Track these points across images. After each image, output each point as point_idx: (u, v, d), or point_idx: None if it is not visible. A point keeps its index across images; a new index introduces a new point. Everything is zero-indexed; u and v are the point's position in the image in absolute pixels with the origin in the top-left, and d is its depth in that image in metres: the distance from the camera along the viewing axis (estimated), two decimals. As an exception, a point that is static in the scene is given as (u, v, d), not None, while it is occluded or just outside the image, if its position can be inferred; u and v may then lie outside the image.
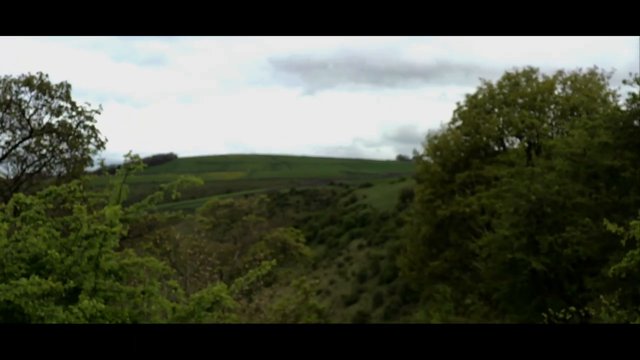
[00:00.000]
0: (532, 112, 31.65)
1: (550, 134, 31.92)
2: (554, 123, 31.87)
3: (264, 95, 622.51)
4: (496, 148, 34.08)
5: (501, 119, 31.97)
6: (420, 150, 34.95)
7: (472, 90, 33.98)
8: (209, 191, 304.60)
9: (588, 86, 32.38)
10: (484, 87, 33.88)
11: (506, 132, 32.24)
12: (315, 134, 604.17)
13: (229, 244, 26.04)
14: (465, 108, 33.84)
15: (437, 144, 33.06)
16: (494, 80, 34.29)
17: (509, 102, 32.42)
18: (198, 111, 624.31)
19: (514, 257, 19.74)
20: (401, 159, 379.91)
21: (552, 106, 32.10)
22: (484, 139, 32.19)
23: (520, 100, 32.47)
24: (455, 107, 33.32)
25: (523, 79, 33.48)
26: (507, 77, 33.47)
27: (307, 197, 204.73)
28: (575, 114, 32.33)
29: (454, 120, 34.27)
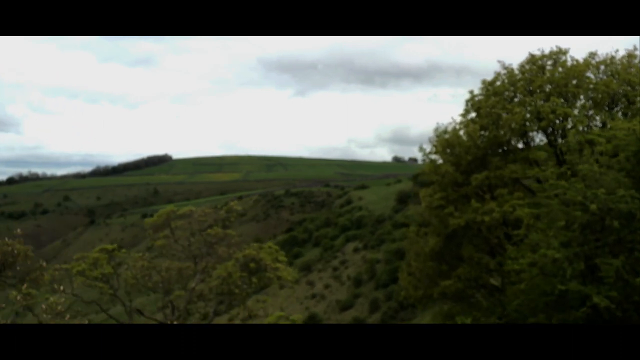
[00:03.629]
0: (563, 101, 26.31)
1: (580, 127, 26.58)
2: (589, 113, 26.50)
3: (256, 96, 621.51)
4: (513, 143, 28.67)
5: (526, 108, 26.54)
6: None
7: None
8: (204, 192, 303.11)
9: (628, 70, 27.10)
10: (503, 72, 28.51)
11: (531, 125, 26.80)
12: (309, 135, 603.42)
13: (191, 264, 20.71)
14: (480, 97, 28.45)
15: (449, 140, 27.51)
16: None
17: (535, 89, 27.04)
18: (191, 112, 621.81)
19: (567, 289, 14.41)
20: (397, 160, 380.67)
21: (588, 94, 26.75)
22: (504, 132, 26.71)
23: (547, 87, 27.12)
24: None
25: (549, 62, 28.15)
26: (531, 60, 28.09)
27: (302, 198, 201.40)
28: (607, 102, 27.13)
29: (466, 112, 28.85)
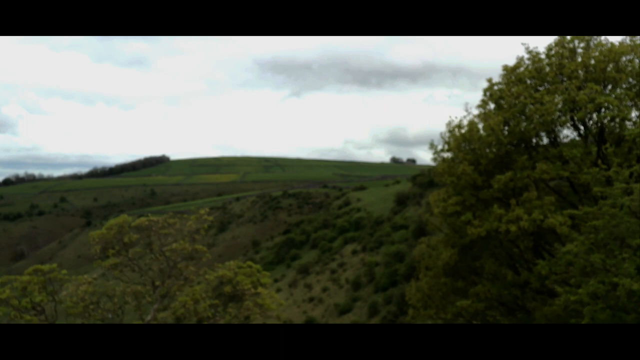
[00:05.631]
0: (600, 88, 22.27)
1: (618, 119, 22.64)
2: (630, 104, 22.51)
3: (253, 97, 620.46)
4: (539, 138, 24.65)
5: (558, 97, 22.46)
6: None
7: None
8: (201, 194, 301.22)
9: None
10: (527, 56, 24.51)
11: (565, 117, 22.79)
12: (306, 136, 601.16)
13: (149, 288, 16.55)
14: (501, 86, 24.41)
15: (465, 135, 23.36)
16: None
17: (568, 75, 22.98)
18: (189, 113, 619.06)
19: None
20: (394, 161, 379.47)
21: (629, 80, 22.74)
22: (533, 125, 22.61)
23: (580, 73, 23.11)
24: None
25: (581, 45, 24.15)
26: (560, 42, 24.06)
27: (299, 200, 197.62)
28: None
29: (484, 103, 24.83)
